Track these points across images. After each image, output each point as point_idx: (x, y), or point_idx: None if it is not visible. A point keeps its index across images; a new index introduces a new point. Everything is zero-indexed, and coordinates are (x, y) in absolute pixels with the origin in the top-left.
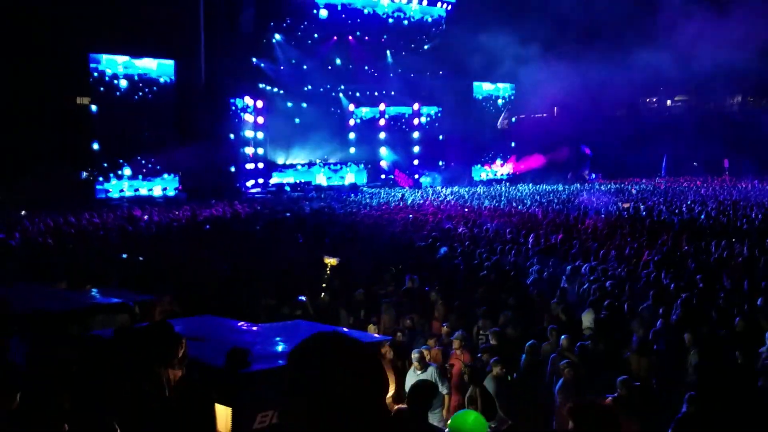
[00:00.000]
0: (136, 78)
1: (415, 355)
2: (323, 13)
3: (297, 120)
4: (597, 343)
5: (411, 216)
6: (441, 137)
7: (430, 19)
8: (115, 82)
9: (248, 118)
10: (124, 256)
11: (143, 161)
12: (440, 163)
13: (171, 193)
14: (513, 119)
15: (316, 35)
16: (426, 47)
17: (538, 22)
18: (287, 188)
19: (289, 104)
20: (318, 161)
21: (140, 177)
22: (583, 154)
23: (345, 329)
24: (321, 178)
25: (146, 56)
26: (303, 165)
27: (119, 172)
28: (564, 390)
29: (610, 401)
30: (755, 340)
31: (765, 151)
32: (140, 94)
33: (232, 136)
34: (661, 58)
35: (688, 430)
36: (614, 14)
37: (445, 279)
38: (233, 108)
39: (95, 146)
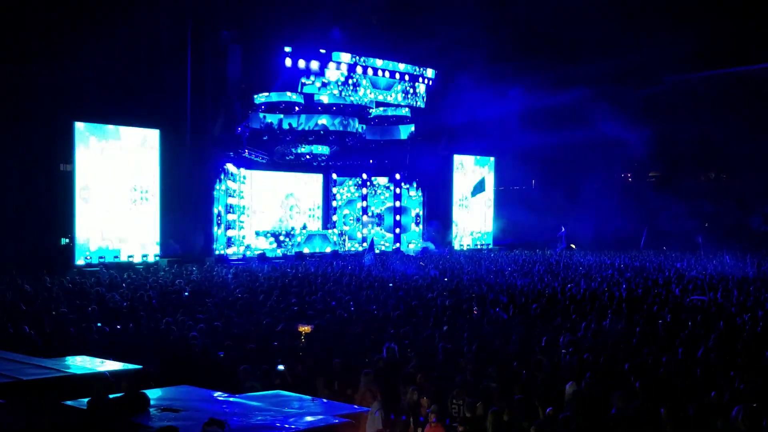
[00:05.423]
0: (121, 147)
1: None
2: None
3: (278, 187)
4: (578, 415)
5: (391, 285)
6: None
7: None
8: (100, 149)
9: (231, 185)
10: (99, 324)
11: (125, 227)
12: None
13: (151, 259)
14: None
15: (297, 108)
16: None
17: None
18: (268, 254)
19: (271, 172)
20: (300, 229)
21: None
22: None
23: (324, 400)
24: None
25: (132, 125)
26: (287, 234)
27: (101, 239)
28: None
29: None
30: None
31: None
32: (125, 161)
33: (215, 205)
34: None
35: None
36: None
37: (423, 349)
38: (220, 175)
39: (77, 214)
